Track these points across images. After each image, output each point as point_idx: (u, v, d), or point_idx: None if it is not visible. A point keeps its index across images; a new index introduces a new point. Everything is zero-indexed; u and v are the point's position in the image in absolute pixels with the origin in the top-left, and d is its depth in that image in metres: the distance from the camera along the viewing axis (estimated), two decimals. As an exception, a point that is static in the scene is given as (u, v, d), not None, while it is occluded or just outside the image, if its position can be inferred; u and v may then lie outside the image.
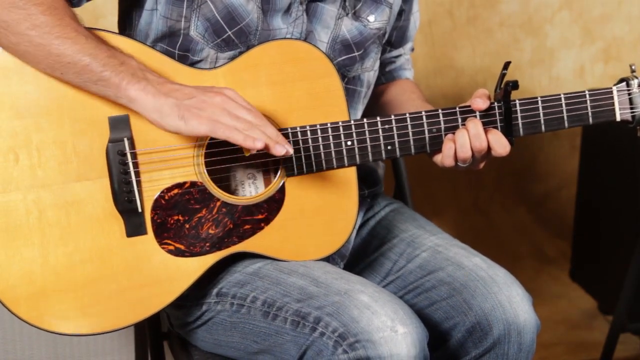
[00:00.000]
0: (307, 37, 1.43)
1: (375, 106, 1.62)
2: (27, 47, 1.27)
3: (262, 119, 1.29)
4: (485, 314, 1.37)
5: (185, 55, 1.39)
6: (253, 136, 1.25)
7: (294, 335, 1.31)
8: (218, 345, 1.44)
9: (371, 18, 1.48)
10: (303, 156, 1.37)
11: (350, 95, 1.50)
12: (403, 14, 1.58)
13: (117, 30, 1.48)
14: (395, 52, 1.64)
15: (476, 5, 2.69)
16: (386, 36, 1.56)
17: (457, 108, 1.41)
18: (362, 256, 1.55)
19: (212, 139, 1.35)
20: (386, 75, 1.65)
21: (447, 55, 2.70)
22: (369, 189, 1.59)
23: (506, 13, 2.72)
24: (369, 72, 1.52)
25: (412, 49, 1.67)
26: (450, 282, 1.41)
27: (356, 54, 1.48)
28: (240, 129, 1.26)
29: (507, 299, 1.37)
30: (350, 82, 1.50)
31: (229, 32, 1.38)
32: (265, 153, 1.31)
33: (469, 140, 1.38)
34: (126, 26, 1.45)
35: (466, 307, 1.39)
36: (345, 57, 1.47)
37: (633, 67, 1.44)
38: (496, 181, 2.82)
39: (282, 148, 1.26)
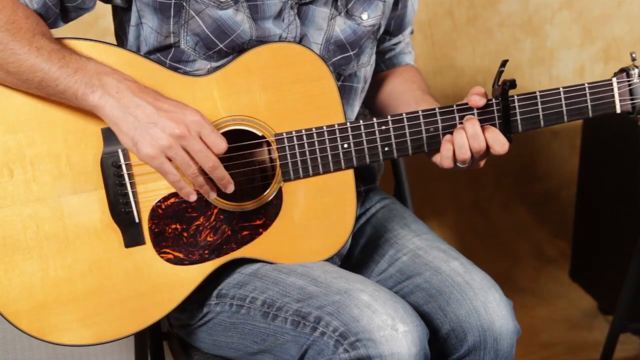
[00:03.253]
0: (301, 40, 1.43)
1: (375, 97, 1.60)
2: None
3: (215, 161, 1.27)
4: (459, 320, 1.36)
5: (178, 67, 1.39)
6: (192, 186, 1.29)
7: (295, 335, 1.32)
8: (218, 346, 1.45)
9: (364, 16, 1.46)
10: (299, 161, 1.37)
11: (347, 92, 1.49)
12: (400, 2, 1.55)
13: (114, 36, 1.49)
14: (394, 40, 1.62)
15: (476, 5, 2.68)
16: (382, 29, 1.54)
17: (455, 106, 1.39)
18: (350, 255, 1.54)
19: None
20: (386, 63, 1.63)
21: (447, 55, 2.69)
22: (365, 186, 1.59)
23: (506, 13, 2.70)
24: (365, 67, 1.51)
25: (412, 32, 1.65)
26: (426, 288, 1.41)
27: (351, 53, 1.46)
28: (187, 172, 1.27)
29: (482, 305, 1.35)
30: (346, 80, 1.49)
31: (220, 45, 1.37)
32: (261, 157, 1.31)
33: (467, 141, 1.36)
34: (120, 41, 1.46)
35: (441, 314, 1.38)
36: (340, 57, 1.46)
37: (634, 56, 1.41)
38: (496, 181, 2.81)
39: (213, 194, 1.31)
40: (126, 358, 1.96)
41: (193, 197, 1.29)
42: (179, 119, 1.25)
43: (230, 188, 1.30)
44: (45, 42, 1.27)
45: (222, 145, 1.27)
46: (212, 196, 1.32)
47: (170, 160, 1.26)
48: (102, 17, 2.36)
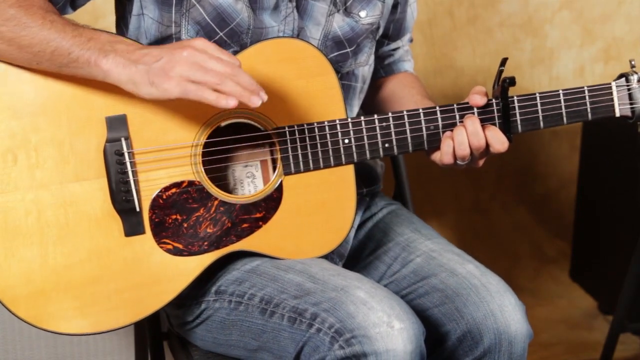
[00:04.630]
0: (299, 34, 1.44)
1: (374, 101, 1.61)
2: (1, 45, 1.27)
3: (234, 67, 1.24)
4: (476, 322, 1.36)
5: None
6: (226, 92, 1.23)
7: (291, 332, 1.31)
8: (217, 344, 1.45)
9: (362, 14, 1.47)
10: (300, 154, 1.38)
11: (345, 90, 1.50)
12: (399, 6, 1.57)
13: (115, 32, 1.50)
14: (393, 45, 1.63)
15: (476, 5, 2.69)
16: (381, 30, 1.55)
17: (455, 105, 1.41)
18: (357, 258, 1.55)
19: (209, 137, 1.35)
20: (385, 69, 1.64)
21: (447, 55, 2.70)
22: (368, 187, 1.59)
23: (506, 13, 2.72)
24: (364, 66, 1.52)
25: (411, 40, 1.66)
26: (442, 289, 1.41)
27: (348, 50, 1.48)
28: (212, 84, 1.23)
29: (499, 308, 1.36)
30: (344, 78, 1.50)
31: (221, 34, 1.39)
32: (263, 151, 1.31)
33: (467, 138, 1.38)
34: (121, 32, 1.47)
35: (458, 315, 1.38)
36: (337, 53, 1.47)
37: (633, 62, 1.43)
38: (496, 181, 2.81)
39: (257, 99, 1.23)
40: (126, 358, 1.96)
41: (232, 103, 1.22)
42: (182, 46, 1.25)
43: (256, 100, 1.23)
44: (58, 17, 1.29)
45: (232, 59, 1.24)
46: (255, 102, 1.23)
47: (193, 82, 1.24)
48: (102, 16, 2.38)
